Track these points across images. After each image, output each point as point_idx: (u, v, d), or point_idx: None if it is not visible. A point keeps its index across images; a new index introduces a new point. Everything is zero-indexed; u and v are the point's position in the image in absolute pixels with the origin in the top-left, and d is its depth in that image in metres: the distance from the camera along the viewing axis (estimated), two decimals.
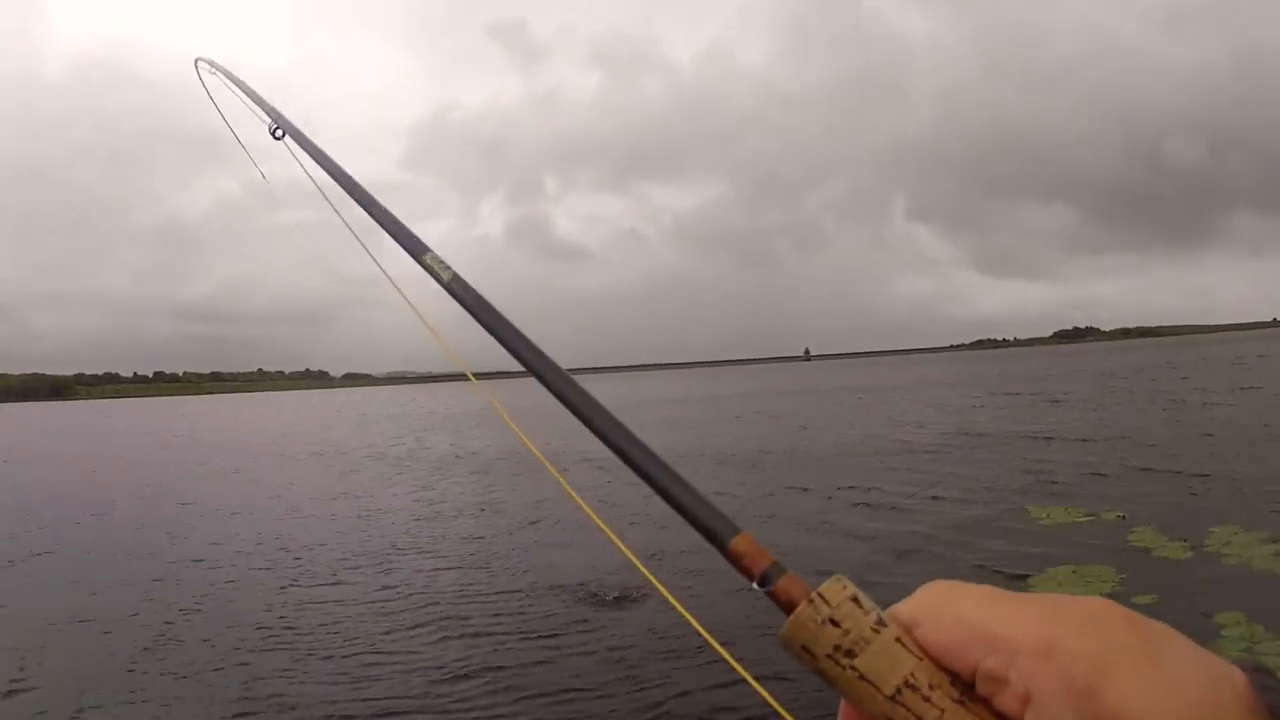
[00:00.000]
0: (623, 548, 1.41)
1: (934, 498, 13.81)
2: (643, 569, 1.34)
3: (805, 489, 15.33)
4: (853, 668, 0.61)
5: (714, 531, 0.72)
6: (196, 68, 3.06)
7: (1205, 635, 6.59)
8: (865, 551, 10.49)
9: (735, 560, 0.70)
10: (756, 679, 1.15)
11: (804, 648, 0.63)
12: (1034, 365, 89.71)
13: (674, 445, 24.18)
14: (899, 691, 0.59)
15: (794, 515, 12.97)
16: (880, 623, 0.62)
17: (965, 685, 0.59)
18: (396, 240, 1.40)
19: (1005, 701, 0.57)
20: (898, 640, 0.61)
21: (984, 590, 0.62)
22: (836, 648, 0.62)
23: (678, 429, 31.00)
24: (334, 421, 54.10)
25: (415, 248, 1.33)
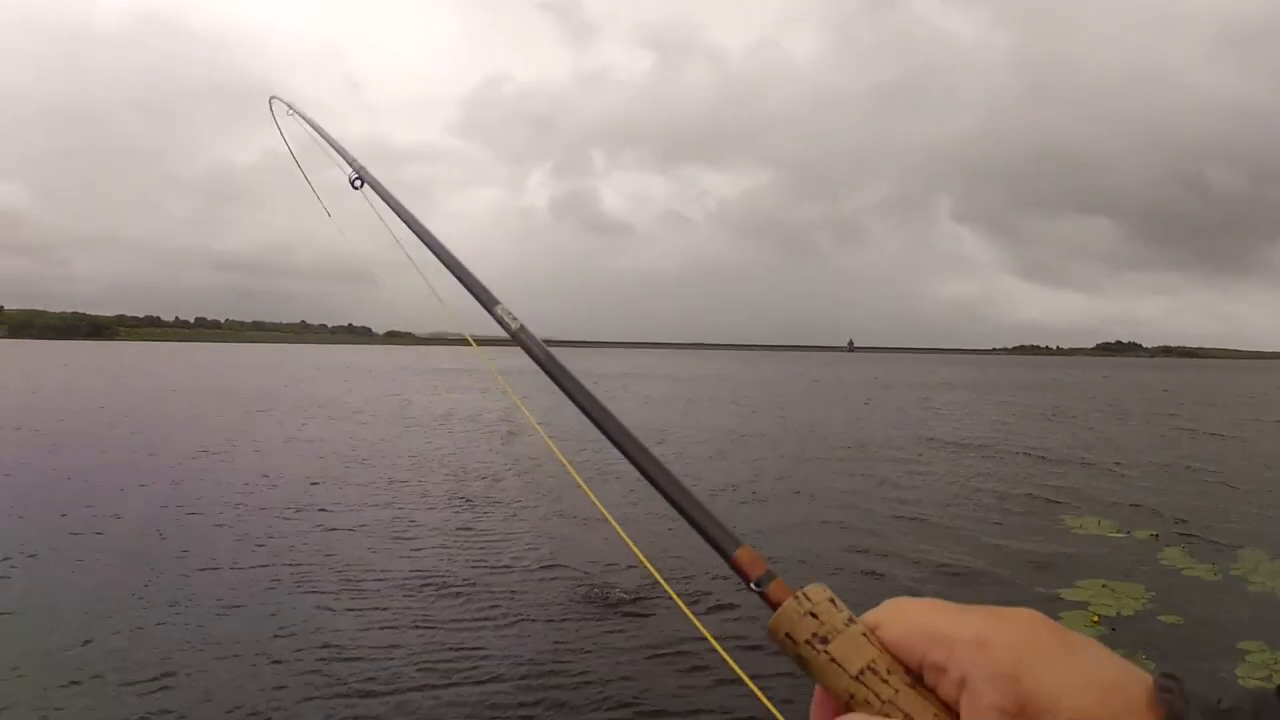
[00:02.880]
0: (630, 544, 1.61)
1: (976, 491, 14.11)
2: (640, 556, 1.56)
3: (858, 474, 15.63)
4: (826, 652, 0.75)
5: (720, 544, 0.89)
6: (271, 106, 3.09)
7: (1228, 659, 6.78)
8: (905, 535, 10.68)
9: (737, 567, 0.86)
10: (750, 676, 1.34)
11: (787, 634, 0.77)
12: (1079, 376, 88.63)
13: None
14: (862, 673, 0.73)
15: (837, 506, 13.25)
16: (850, 620, 0.76)
17: (915, 675, 0.72)
18: (471, 292, 1.48)
19: (946, 688, 0.70)
20: (863, 634, 0.75)
21: (935, 601, 0.74)
22: (814, 634, 0.76)
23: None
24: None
25: (487, 300, 1.42)
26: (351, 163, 2.20)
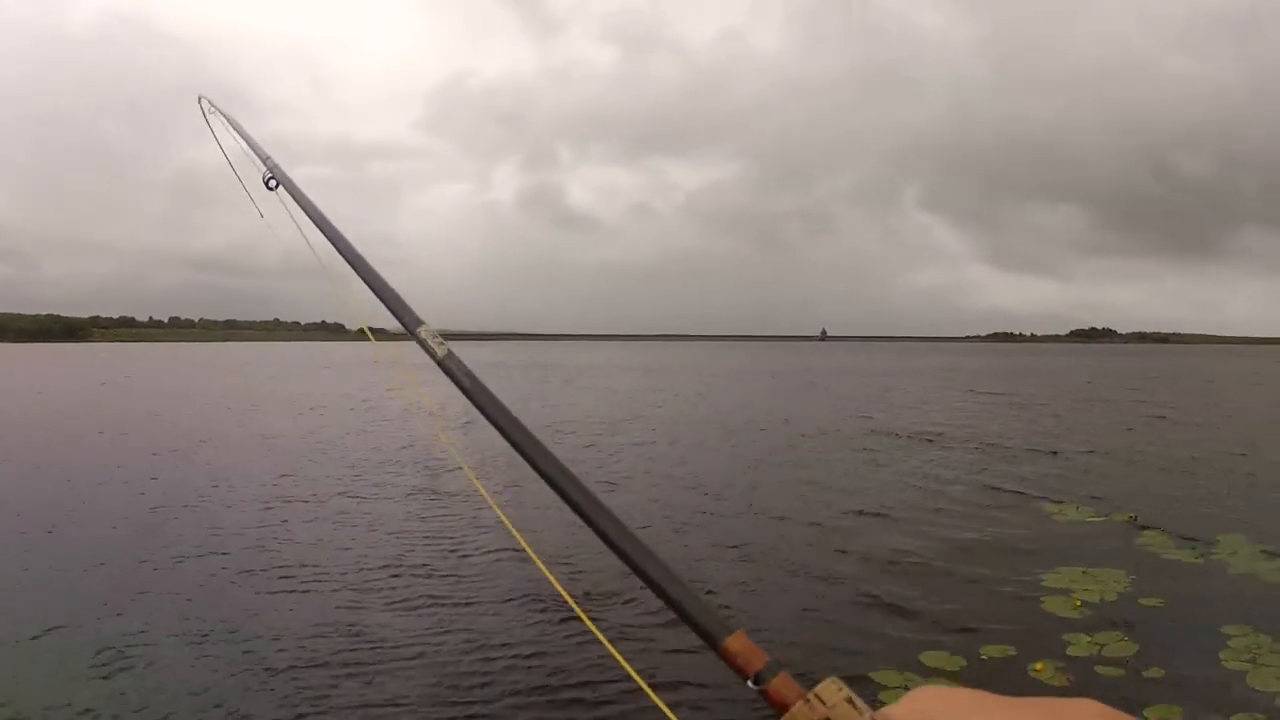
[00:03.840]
0: (551, 578, 1.54)
1: (950, 481, 14.07)
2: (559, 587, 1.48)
3: (831, 459, 15.62)
4: None
5: (707, 630, 0.76)
6: (201, 106, 3.08)
7: (1212, 643, 6.77)
8: (876, 532, 10.69)
9: (729, 659, 0.74)
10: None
11: None
12: (1052, 363, 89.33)
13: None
14: None
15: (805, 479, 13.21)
16: None
17: None
18: (392, 312, 1.42)
19: None
20: None
21: (974, 696, 0.62)
22: None
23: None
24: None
25: (410, 321, 1.35)
26: (265, 160, 2.12)
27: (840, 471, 15.94)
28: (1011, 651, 6.70)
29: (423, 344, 1.28)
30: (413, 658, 6.70)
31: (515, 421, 1.04)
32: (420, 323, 1.32)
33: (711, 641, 0.75)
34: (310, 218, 1.84)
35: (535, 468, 0.97)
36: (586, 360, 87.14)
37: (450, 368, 1.21)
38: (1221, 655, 6.54)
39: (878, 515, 12.07)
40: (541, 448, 0.98)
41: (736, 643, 0.73)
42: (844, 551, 10.14)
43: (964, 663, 6.44)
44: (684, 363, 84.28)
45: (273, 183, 2.04)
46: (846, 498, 13.37)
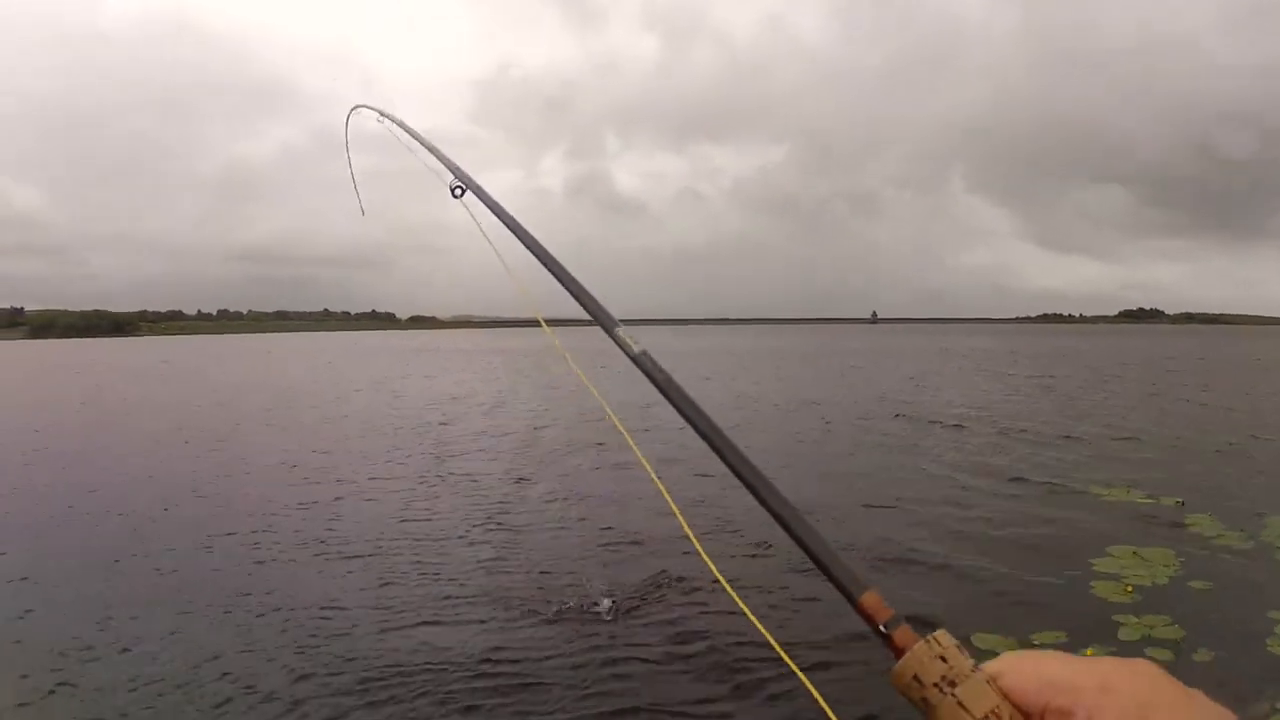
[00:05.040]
0: (697, 544, 1.64)
1: (1002, 467, 14.12)
2: (702, 552, 1.60)
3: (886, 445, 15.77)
4: (953, 695, 0.78)
5: (846, 587, 0.91)
6: (348, 118, 3.12)
7: (1261, 631, 6.87)
8: (923, 517, 10.81)
9: (864, 612, 0.89)
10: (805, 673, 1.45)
11: (915, 677, 0.81)
12: (1103, 344, 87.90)
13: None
14: (986, 718, 0.76)
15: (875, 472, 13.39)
16: (975, 668, 0.79)
17: None
18: (587, 310, 1.45)
19: None
20: (987, 682, 0.78)
21: (1053, 652, 0.78)
22: (943, 678, 0.80)
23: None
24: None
25: (607, 321, 1.39)
26: (453, 169, 2.08)
27: (880, 456, 16.12)
28: (1063, 636, 6.87)
29: (620, 343, 1.33)
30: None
31: (704, 415, 1.14)
32: (616, 322, 1.37)
33: (849, 597, 0.90)
34: (504, 223, 1.86)
35: (722, 458, 1.08)
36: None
37: (644, 364, 1.27)
38: (1268, 642, 6.64)
39: (925, 500, 12.21)
40: (726, 439, 1.09)
41: (871, 599, 0.89)
42: (887, 538, 10.32)
43: (1015, 645, 6.61)
44: (732, 346, 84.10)
45: (459, 190, 2.02)
46: (889, 483, 13.52)
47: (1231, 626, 6.96)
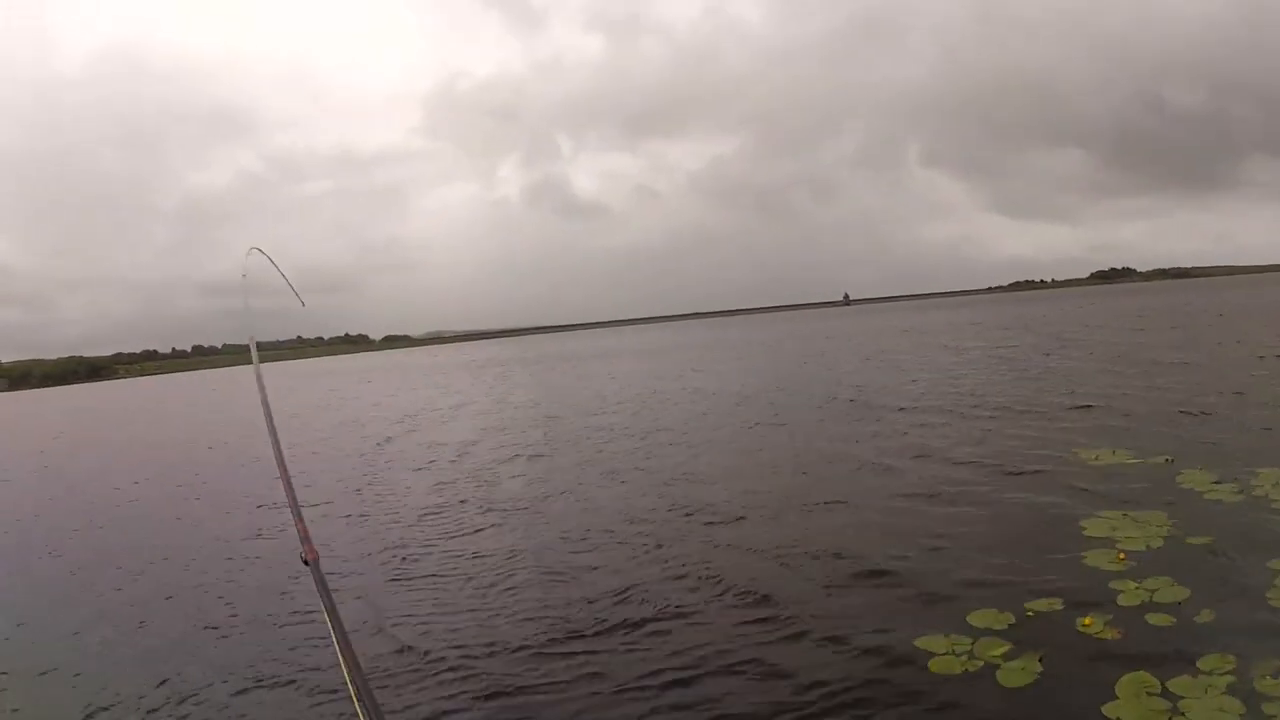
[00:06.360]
0: None
1: (985, 434, 14.05)
2: None
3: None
4: None
5: None
6: (248, 254, 5.60)
7: (1261, 583, 6.66)
8: (907, 493, 10.64)
9: None
10: None
11: None
12: (1073, 306, 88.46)
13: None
14: None
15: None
16: None
17: None
18: None
19: None
20: None
21: None
22: None
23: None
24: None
25: None
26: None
27: (858, 432, 15.90)
28: (1058, 605, 6.65)
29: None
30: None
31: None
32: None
33: None
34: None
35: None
36: (598, 347, 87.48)
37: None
38: (1269, 595, 6.41)
39: (906, 476, 12.06)
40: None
41: None
42: (874, 514, 10.20)
43: (1012, 619, 6.41)
44: (699, 340, 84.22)
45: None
46: (874, 458, 13.40)
47: (1233, 582, 6.75)
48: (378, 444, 22.57)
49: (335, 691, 6.28)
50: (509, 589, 8.79)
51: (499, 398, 36.02)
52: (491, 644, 7.24)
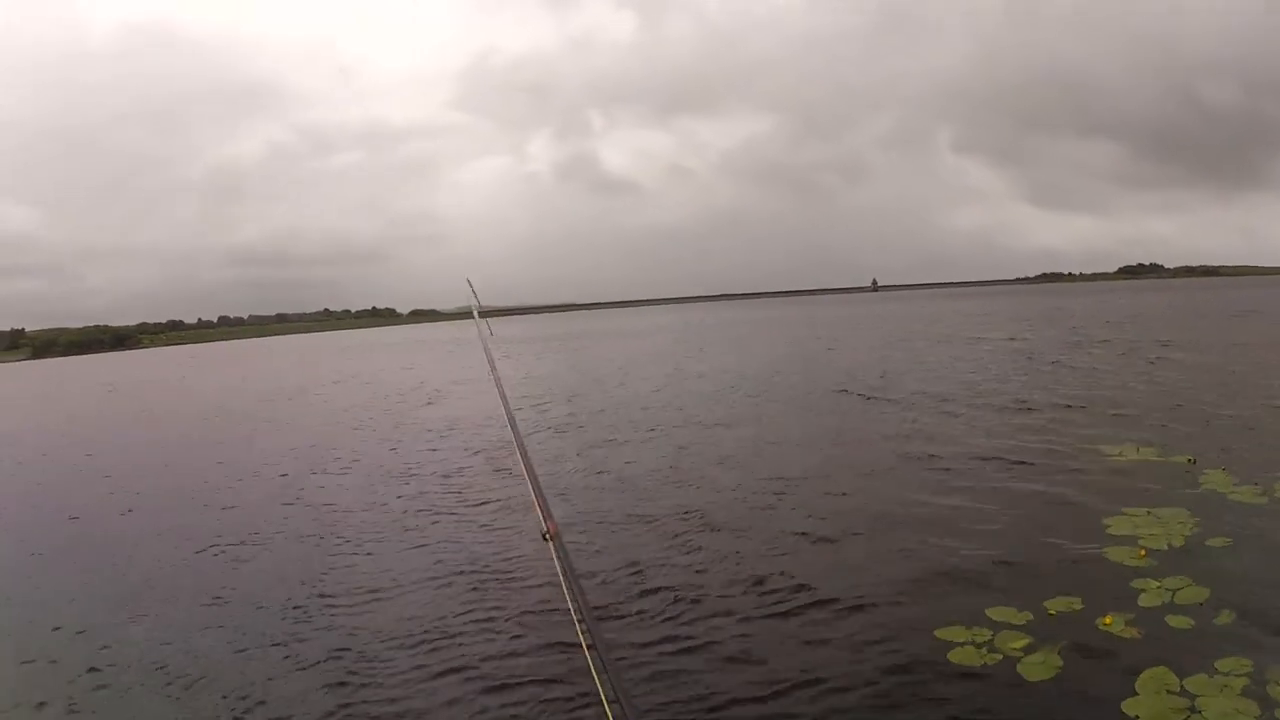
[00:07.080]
0: None
1: (1010, 429, 13.98)
2: None
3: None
4: None
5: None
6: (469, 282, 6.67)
7: None
8: (932, 487, 10.66)
9: None
10: None
11: None
12: (1102, 301, 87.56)
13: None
14: None
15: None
16: None
17: None
18: None
19: None
20: None
21: None
22: None
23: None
24: None
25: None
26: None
27: (882, 423, 15.92)
28: (1078, 605, 6.68)
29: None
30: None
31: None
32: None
33: None
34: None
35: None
36: (628, 326, 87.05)
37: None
38: None
39: (932, 469, 12.07)
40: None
41: None
42: (899, 508, 10.22)
43: (1031, 617, 6.46)
44: (729, 320, 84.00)
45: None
46: (895, 447, 13.44)
47: (1253, 584, 6.78)
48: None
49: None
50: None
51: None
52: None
